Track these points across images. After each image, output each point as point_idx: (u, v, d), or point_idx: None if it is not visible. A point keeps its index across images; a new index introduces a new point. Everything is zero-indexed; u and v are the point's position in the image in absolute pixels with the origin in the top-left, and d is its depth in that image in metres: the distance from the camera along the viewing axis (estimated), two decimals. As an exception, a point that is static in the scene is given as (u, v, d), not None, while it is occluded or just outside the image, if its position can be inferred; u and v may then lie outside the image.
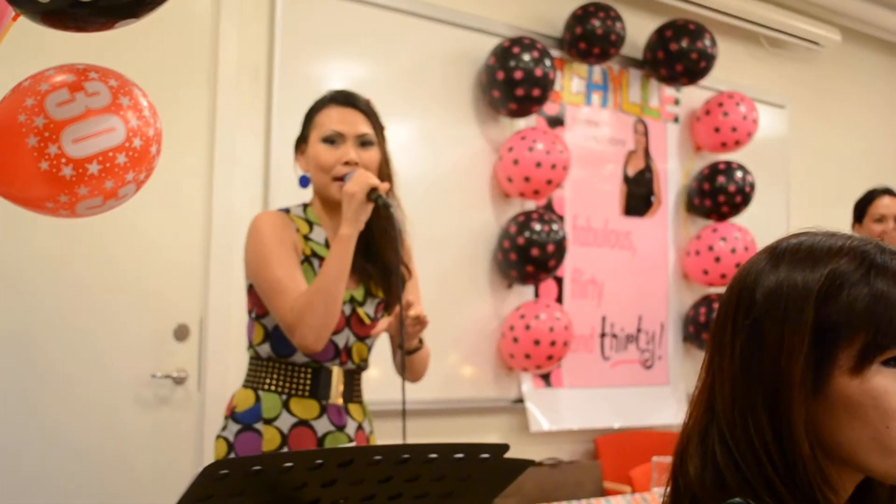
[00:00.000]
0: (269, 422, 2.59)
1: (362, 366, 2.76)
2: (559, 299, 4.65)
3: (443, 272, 4.29)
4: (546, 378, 4.60)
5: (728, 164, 5.10)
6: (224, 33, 3.75)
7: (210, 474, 1.50)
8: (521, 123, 4.51)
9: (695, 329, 5.07)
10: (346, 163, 2.62)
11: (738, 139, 5.11)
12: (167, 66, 3.61)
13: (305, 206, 2.74)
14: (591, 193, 4.83)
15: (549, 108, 4.63)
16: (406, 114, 4.26)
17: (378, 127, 2.72)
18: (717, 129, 5.10)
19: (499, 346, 4.43)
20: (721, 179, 5.06)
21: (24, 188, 1.67)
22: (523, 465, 1.96)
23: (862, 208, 4.56)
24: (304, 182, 2.72)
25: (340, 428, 2.67)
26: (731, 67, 5.38)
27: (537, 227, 4.30)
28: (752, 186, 5.09)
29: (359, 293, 2.70)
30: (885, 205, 4.50)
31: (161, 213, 3.58)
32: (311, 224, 2.69)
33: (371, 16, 4.12)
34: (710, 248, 4.98)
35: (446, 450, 1.83)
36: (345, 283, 2.54)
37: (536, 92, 4.29)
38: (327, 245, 2.68)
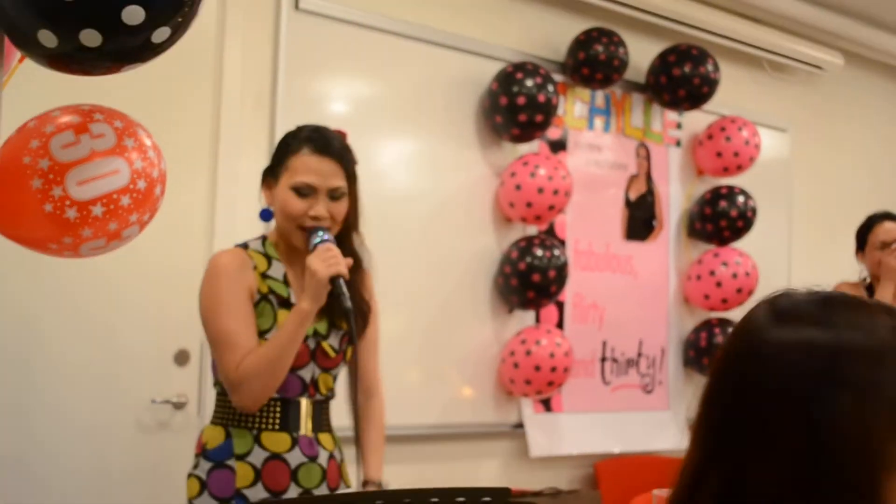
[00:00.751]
0: (241, 458, 2.59)
1: (329, 395, 2.76)
2: (560, 324, 4.65)
3: (444, 296, 4.29)
4: (546, 403, 4.60)
5: (730, 188, 5.10)
6: (228, 57, 3.76)
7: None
8: (524, 148, 4.51)
9: (695, 353, 5.06)
10: (314, 217, 2.61)
11: (740, 164, 5.11)
12: (171, 91, 3.61)
13: (264, 238, 2.73)
14: (593, 217, 4.83)
15: (552, 133, 4.63)
16: (409, 138, 4.27)
17: (351, 172, 2.71)
18: (719, 154, 5.10)
19: (499, 371, 4.43)
20: (723, 204, 5.06)
21: (29, 230, 1.67)
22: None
23: (863, 236, 4.50)
24: (266, 215, 2.72)
25: (313, 459, 2.67)
26: (734, 91, 5.38)
27: (539, 252, 4.30)
28: (753, 211, 5.09)
29: (322, 326, 2.69)
30: (886, 230, 4.44)
31: (163, 237, 3.57)
32: (269, 259, 2.68)
33: (374, 40, 4.13)
34: (712, 273, 4.98)
35: (448, 494, 1.82)
36: (294, 354, 2.55)
37: (539, 118, 4.30)
38: (286, 281, 2.67)
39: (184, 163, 3.61)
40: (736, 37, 5.30)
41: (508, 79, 4.31)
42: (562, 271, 4.33)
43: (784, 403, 1.10)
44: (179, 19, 1.55)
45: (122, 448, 3.50)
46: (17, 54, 1.63)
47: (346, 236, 2.72)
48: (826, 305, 1.15)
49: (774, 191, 5.64)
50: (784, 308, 1.17)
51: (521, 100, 4.26)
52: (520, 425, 4.52)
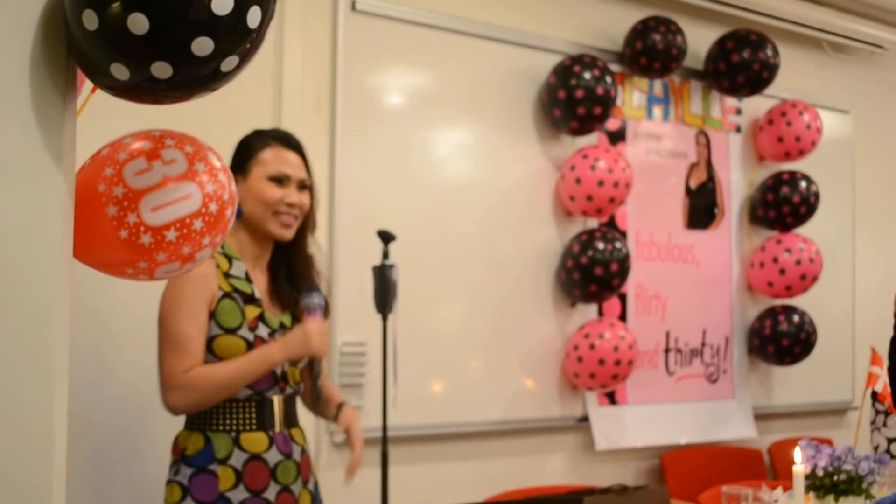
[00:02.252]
0: (222, 461, 2.66)
1: (297, 388, 2.85)
2: (623, 315, 4.64)
3: (506, 291, 4.30)
4: (611, 396, 4.59)
5: (792, 173, 5.05)
6: (288, 60, 3.78)
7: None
8: (583, 140, 4.50)
9: (759, 342, 5.02)
10: (289, 204, 2.76)
11: (801, 148, 5.05)
12: (232, 96, 3.62)
13: None
14: (654, 207, 4.81)
15: (611, 123, 4.61)
16: (468, 132, 4.28)
17: (310, 170, 2.88)
18: (780, 139, 5.05)
19: (563, 365, 4.43)
20: (785, 190, 5.01)
21: (106, 255, 1.70)
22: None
23: None
24: (237, 213, 2.77)
25: (288, 456, 2.75)
26: (794, 74, 5.32)
27: (600, 245, 4.29)
28: (816, 196, 5.03)
29: (286, 318, 2.83)
30: None
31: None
32: (229, 259, 2.77)
33: (431, 37, 4.14)
34: (775, 260, 4.94)
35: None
36: (241, 387, 2.67)
37: (598, 110, 4.28)
38: (248, 279, 2.77)
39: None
40: (794, 19, 5.24)
41: (566, 72, 4.29)
42: (623, 264, 4.32)
43: None
44: (247, 46, 1.57)
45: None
46: (90, 85, 1.66)
47: (302, 235, 2.87)
48: None
49: (837, 173, 5.57)
50: None
51: (579, 93, 4.25)
52: (585, 419, 4.52)
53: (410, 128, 4.10)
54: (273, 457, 2.71)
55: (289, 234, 2.79)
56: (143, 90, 1.57)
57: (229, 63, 1.55)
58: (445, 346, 4.12)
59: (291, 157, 2.82)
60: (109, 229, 1.67)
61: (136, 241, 1.67)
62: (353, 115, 3.92)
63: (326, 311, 2.83)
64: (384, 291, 3.12)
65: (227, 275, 2.73)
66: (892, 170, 5.89)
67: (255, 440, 2.69)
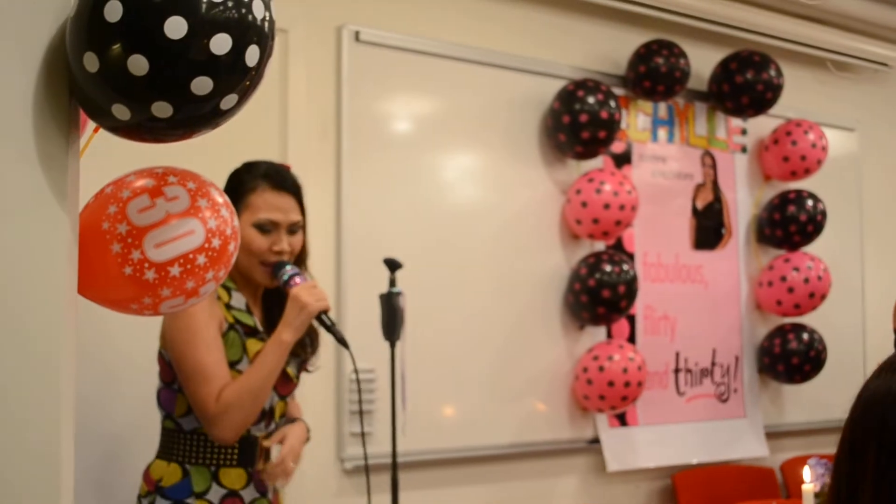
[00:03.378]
0: (200, 496, 2.62)
1: (280, 424, 2.80)
2: (632, 337, 4.65)
3: (515, 315, 4.32)
4: (621, 417, 4.60)
5: (798, 192, 5.07)
6: (293, 92, 3.82)
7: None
8: (589, 164, 4.53)
9: (769, 360, 5.03)
10: (278, 252, 2.68)
11: (807, 167, 5.07)
12: (238, 128, 3.67)
13: None
14: (661, 229, 4.83)
15: (616, 146, 4.63)
16: (473, 158, 4.31)
17: (304, 207, 2.78)
18: (786, 159, 5.06)
19: (573, 387, 4.44)
20: (792, 209, 5.02)
21: (110, 292, 1.73)
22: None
23: None
24: None
25: (263, 494, 2.72)
26: (799, 93, 5.34)
27: (608, 268, 4.31)
28: (823, 214, 5.05)
29: None
30: None
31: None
32: (228, 290, 2.71)
33: (435, 65, 4.18)
34: (783, 279, 4.95)
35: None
36: (273, 384, 2.62)
37: (602, 134, 4.31)
38: (248, 310, 2.73)
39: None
40: (798, 39, 5.27)
41: (570, 97, 4.33)
42: (631, 286, 4.34)
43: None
44: (246, 84, 1.60)
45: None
46: (92, 125, 1.69)
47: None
48: None
49: (844, 191, 5.58)
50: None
51: (583, 117, 4.28)
52: (596, 440, 4.53)
53: (416, 155, 4.14)
54: (249, 494, 2.68)
55: (275, 283, 2.71)
56: (144, 129, 1.60)
57: (229, 101, 1.58)
58: (455, 370, 4.14)
59: (283, 200, 2.71)
60: (114, 266, 1.69)
61: (141, 278, 1.70)
62: (359, 143, 3.96)
63: (303, 268, 2.77)
64: (391, 319, 3.14)
65: (228, 306, 2.69)
66: (898, 186, 5.90)
67: (233, 476, 2.66)
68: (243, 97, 1.61)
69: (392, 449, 3.16)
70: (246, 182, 2.72)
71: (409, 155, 4.11)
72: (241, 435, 2.62)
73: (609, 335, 4.58)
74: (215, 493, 2.63)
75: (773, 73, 4.83)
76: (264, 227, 2.68)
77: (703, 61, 4.90)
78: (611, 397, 4.30)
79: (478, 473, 4.21)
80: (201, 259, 1.73)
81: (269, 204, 2.69)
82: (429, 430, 4.00)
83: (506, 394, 4.29)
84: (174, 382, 2.68)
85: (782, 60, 4.99)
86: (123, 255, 1.69)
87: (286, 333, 2.59)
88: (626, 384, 4.29)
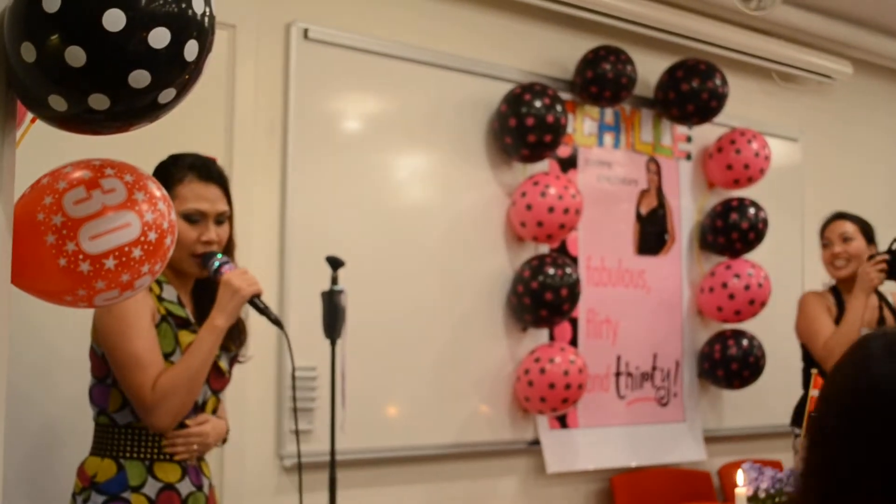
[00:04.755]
0: (136, 489, 2.61)
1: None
2: (574, 340, 4.69)
3: (458, 316, 4.34)
4: (562, 419, 4.64)
5: (741, 200, 5.14)
6: (240, 88, 3.82)
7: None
8: (534, 167, 4.56)
9: (709, 365, 5.09)
10: (206, 242, 2.70)
11: (750, 176, 5.14)
12: (183, 124, 3.66)
13: None
14: (605, 233, 4.87)
15: (562, 151, 4.68)
16: (420, 159, 4.33)
17: (230, 197, 2.80)
18: (729, 167, 5.13)
19: (514, 388, 4.47)
20: (734, 216, 5.09)
21: (44, 283, 1.72)
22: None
23: (821, 235, 4.56)
24: None
25: (199, 488, 2.73)
26: (744, 102, 5.42)
27: (551, 271, 4.35)
28: (765, 223, 5.12)
29: None
30: (831, 228, 4.46)
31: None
32: (160, 283, 2.72)
33: (383, 65, 4.19)
34: (724, 285, 5.01)
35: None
36: (208, 371, 2.64)
37: (548, 138, 4.35)
38: (180, 303, 2.74)
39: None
40: (744, 49, 5.34)
41: (517, 100, 4.36)
42: (574, 289, 4.38)
43: None
44: (185, 78, 1.60)
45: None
46: (30, 115, 1.68)
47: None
48: None
49: (787, 200, 5.66)
50: None
51: (529, 121, 4.31)
52: (536, 442, 4.56)
53: (363, 154, 4.14)
54: (185, 488, 2.69)
55: (206, 273, 2.72)
56: (81, 121, 1.60)
57: (167, 95, 1.58)
58: (397, 369, 4.15)
59: (209, 190, 2.72)
60: (48, 257, 1.69)
61: (75, 269, 1.69)
62: (306, 140, 3.96)
63: (231, 256, 2.77)
64: (333, 317, 3.15)
65: (160, 298, 2.70)
66: (840, 197, 5.97)
67: (168, 470, 2.66)
68: (182, 91, 1.61)
69: (331, 447, 3.18)
70: (173, 174, 2.72)
71: (355, 153, 4.11)
72: (178, 422, 2.63)
73: (551, 338, 4.61)
74: (151, 486, 2.63)
75: (718, 81, 4.89)
76: (192, 218, 2.70)
77: (649, 68, 4.96)
78: (551, 399, 4.34)
79: (418, 473, 4.23)
80: (137, 252, 1.73)
81: (196, 194, 2.71)
82: (369, 428, 4.01)
83: (447, 394, 4.31)
84: (107, 377, 2.68)
85: (728, 70, 5.05)
86: (58, 246, 1.69)
87: (219, 319, 2.62)
88: (567, 386, 4.32)
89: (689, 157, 5.24)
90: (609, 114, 4.92)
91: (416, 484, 4.22)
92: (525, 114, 4.31)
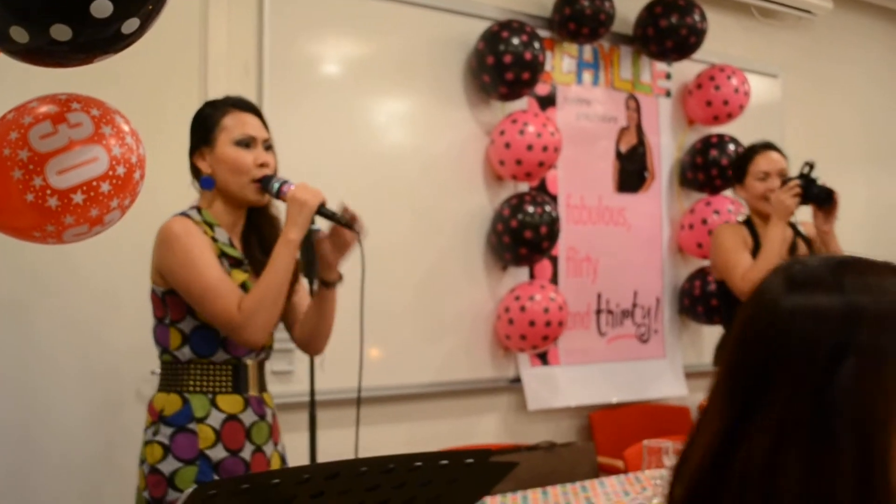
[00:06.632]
0: (201, 420, 2.70)
1: (268, 354, 2.90)
2: (554, 278, 4.70)
3: (437, 255, 4.34)
4: (543, 357, 4.66)
5: (720, 136, 5.13)
6: (213, 28, 3.78)
7: (199, 496, 1.55)
8: (513, 106, 4.54)
9: (690, 302, 5.11)
10: (261, 165, 2.76)
11: (730, 112, 5.13)
12: (157, 66, 3.63)
13: (198, 208, 2.80)
14: (585, 171, 4.86)
15: (541, 89, 4.65)
16: (397, 99, 4.30)
17: (268, 129, 2.87)
18: (709, 103, 5.12)
19: (495, 327, 4.48)
20: (714, 153, 5.09)
21: (12, 219, 1.71)
22: (508, 467, 2.01)
23: (742, 167, 4.18)
24: (208, 184, 2.78)
25: (262, 417, 2.81)
26: (723, 39, 5.39)
27: (530, 209, 4.34)
28: (744, 159, 5.10)
29: None
30: (769, 160, 4.10)
31: (156, 213, 3.60)
32: (211, 226, 2.77)
33: (359, 5, 4.14)
34: (704, 222, 5.02)
35: (431, 458, 1.87)
36: (288, 284, 2.72)
37: (526, 75, 4.32)
38: (231, 244, 2.79)
39: (172, 142, 3.64)
40: (723, -16, 5.30)
41: (494, 38, 4.32)
42: (553, 227, 4.38)
43: (799, 371, 1.11)
44: (149, 8, 1.58)
45: (123, 418, 3.57)
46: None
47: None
48: (836, 270, 1.16)
49: (766, 136, 5.57)
50: (797, 275, 1.18)
51: (507, 58, 4.28)
52: (517, 380, 4.58)
53: (339, 95, 4.11)
54: (248, 418, 2.76)
55: (266, 199, 2.80)
56: (44, 53, 1.58)
57: (130, 25, 1.57)
58: (378, 310, 4.12)
59: (254, 119, 2.81)
60: (15, 193, 1.68)
61: (43, 205, 1.69)
62: (282, 82, 3.93)
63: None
64: (309, 257, 3.14)
65: (213, 239, 2.75)
66: (819, 133, 5.99)
67: (230, 402, 2.74)
68: (146, 21, 1.60)
69: (310, 386, 3.18)
70: (217, 109, 2.80)
71: (331, 94, 4.08)
72: (269, 335, 2.74)
73: (531, 276, 4.62)
74: (215, 417, 2.71)
75: (696, 17, 4.86)
76: (245, 143, 2.75)
77: (628, 5, 4.92)
78: (532, 337, 4.35)
79: (399, 412, 4.25)
80: (105, 186, 1.73)
81: (243, 122, 2.78)
82: (351, 368, 4.01)
83: (428, 333, 4.32)
84: (165, 318, 2.75)
85: (707, 5, 5.02)
86: (25, 181, 1.68)
87: (293, 232, 2.68)
88: (547, 324, 4.34)
89: (668, 94, 5.22)
90: (588, 51, 4.89)
91: (398, 423, 4.24)
92: (503, 51, 4.29)
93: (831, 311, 1.12)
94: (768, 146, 4.16)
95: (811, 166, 3.95)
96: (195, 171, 2.82)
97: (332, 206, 2.79)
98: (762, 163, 4.09)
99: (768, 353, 1.14)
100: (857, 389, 1.08)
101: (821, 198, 3.92)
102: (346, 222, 2.79)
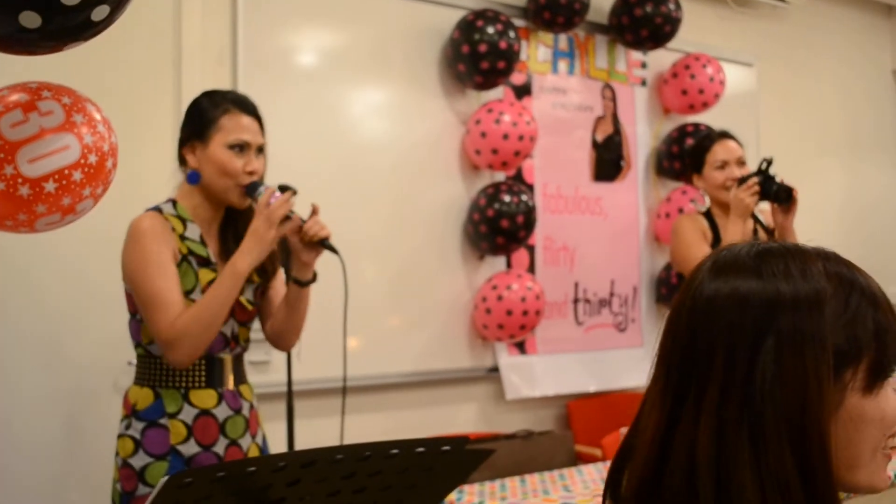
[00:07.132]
0: (172, 416, 2.68)
1: (246, 347, 2.87)
2: (531, 268, 4.71)
3: (414, 245, 4.34)
4: (520, 346, 4.67)
5: (696, 125, 5.15)
6: (187, 16, 3.76)
7: (174, 483, 1.55)
8: (489, 95, 4.54)
9: (667, 290, 5.13)
10: (250, 172, 2.74)
11: (705, 101, 5.15)
12: (130, 57, 3.61)
13: (174, 202, 2.79)
14: (561, 161, 4.87)
15: (516, 78, 4.65)
16: (373, 89, 4.29)
17: (264, 130, 2.85)
18: (684, 92, 5.13)
19: (472, 317, 4.49)
20: (689, 142, 5.09)
21: (-17, 208, 1.70)
22: (485, 454, 2.01)
23: (699, 157, 4.06)
24: (194, 178, 2.76)
25: (237, 411, 2.78)
26: (698, 28, 5.40)
27: (506, 198, 4.35)
28: (720, 147, 5.12)
29: None
30: (727, 149, 4.01)
31: (131, 203, 3.58)
32: (183, 221, 2.75)
33: (334, -7, 4.13)
34: (681, 210, 5.03)
35: (407, 445, 1.86)
36: (227, 312, 2.66)
37: (501, 64, 4.32)
38: (202, 242, 2.76)
39: (147, 126, 3.62)
40: (698, -27, 5.31)
41: (469, 27, 4.32)
42: (529, 216, 4.38)
43: (723, 356, 1.14)
44: (119, -5, 1.57)
45: (98, 408, 3.55)
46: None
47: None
48: (760, 256, 1.18)
49: (742, 126, 5.63)
50: (723, 261, 1.20)
51: (482, 47, 4.28)
52: (495, 369, 4.59)
53: (314, 85, 4.10)
54: (222, 412, 2.74)
55: (248, 203, 2.77)
56: (14, 40, 1.57)
57: (100, 12, 1.56)
58: (356, 299, 4.07)
59: (251, 122, 2.77)
60: (-14, 181, 1.67)
61: (14, 193, 1.68)
62: (256, 72, 3.91)
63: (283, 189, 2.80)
64: (285, 244, 3.13)
65: (182, 237, 2.72)
66: (795, 122, 6.02)
67: (203, 396, 2.72)
68: (116, 8, 1.59)
69: (287, 376, 3.17)
70: (214, 108, 2.76)
71: (306, 85, 4.07)
72: (195, 359, 2.68)
73: (508, 265, 4.63)
74: (187, 413, 2.69)
75: (672, 6, 4.87)
76: (239, 147, 2.73)
77: (603, -6, 4.93)
78: (509, 326, 4.36)
79: (377, 402, 4.25)
80: (77, 175, 1.72)
81: (239, 125, 2.74)
82: (329, 357, 4.00)
83: (406, 323, 4.32)
84: (137, 313, 2.73)
85: (682, -6, 5.03)
86: (-4, 170, 1.66)
87: (243, 262, 2.65)
88: (525, 313, 4.34)
89: (643, 83, 5.23)
90: (563, 40, 4.89)
91: (375, 413, 4.24)
92: (478, 41, 4.28)
93: (751, 297, 1.14)
94: (724, 135, 4.07)
95: (769, 163, 3.92)
96: (182, 160, 2.79)
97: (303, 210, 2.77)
98: (720, 152, 4.01)
99: (697, 338, 1.17)
100: (779, 373, 1.10)
101: (780, 196, 3.90)
102: (321, 244, 2.83)
